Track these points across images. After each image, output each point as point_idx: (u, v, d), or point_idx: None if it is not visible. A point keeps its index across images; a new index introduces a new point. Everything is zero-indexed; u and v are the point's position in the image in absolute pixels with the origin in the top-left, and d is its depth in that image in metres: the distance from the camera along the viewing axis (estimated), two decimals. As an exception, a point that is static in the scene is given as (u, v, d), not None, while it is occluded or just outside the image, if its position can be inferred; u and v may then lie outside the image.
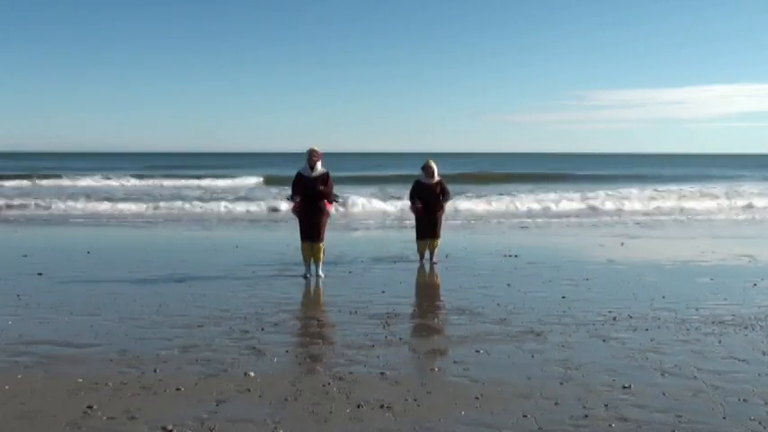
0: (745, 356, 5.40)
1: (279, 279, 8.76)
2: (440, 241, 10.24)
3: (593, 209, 20.35)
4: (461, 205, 19.44)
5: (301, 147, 8.96)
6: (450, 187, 10.65)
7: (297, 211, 8.96)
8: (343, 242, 12.32)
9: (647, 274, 9.11)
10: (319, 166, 8.90)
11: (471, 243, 12.46)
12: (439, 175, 10.30)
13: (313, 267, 8.92)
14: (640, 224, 16.34)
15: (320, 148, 8.94)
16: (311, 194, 8.82)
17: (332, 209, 9.12)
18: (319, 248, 8.87)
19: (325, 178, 8.91)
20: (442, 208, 10.26)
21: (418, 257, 10.21)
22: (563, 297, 7.59)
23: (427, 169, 10.24)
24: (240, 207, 19.49)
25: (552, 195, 23.40)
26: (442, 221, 10.37)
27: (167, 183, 32.85)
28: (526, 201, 22.34)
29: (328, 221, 9.10)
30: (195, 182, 33.03)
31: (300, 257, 9.05)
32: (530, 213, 19.00)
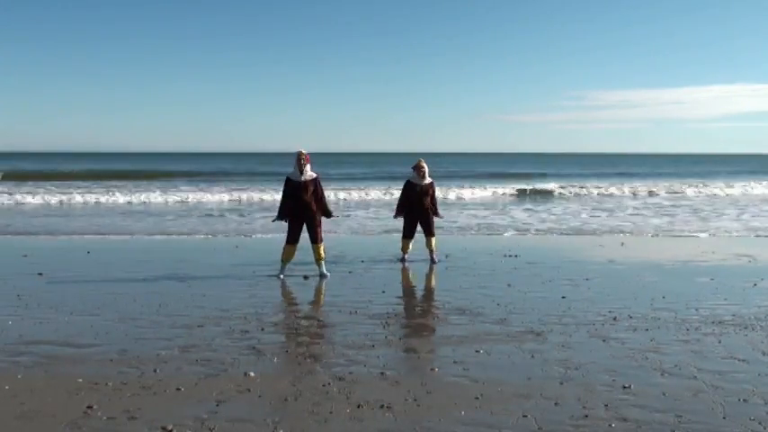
0: (745, 356, 5.40)
1: (279, 279, 8.74)
2: (436, 240, 10.25)
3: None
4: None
5: (301, 147, 8.93)
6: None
7: (288, 213, 8.92)
8: (344, 242, 12.33)
9: (647, 274, 9.11)
10: (309, 170, 8.86)
11: (471, 243, 12.46)
12: (430, 176, 10.33)
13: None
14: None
15: (313, 149, 8.94)
16: (302, 198, 8.78)
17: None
18: (319, 248, 8.85)
19: (315, 183, 8.87)
20: (434, 211, 10.27)
21: (401, 254, 10.27)
22: (563, 297, 7.59)
23: (419, 170, 10.24)
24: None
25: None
26: (434, 219, 10.39)
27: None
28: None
29: (323, 221, 9.03)
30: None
31: (280, 257, 8.97)
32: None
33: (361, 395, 4.49)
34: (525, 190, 29.11)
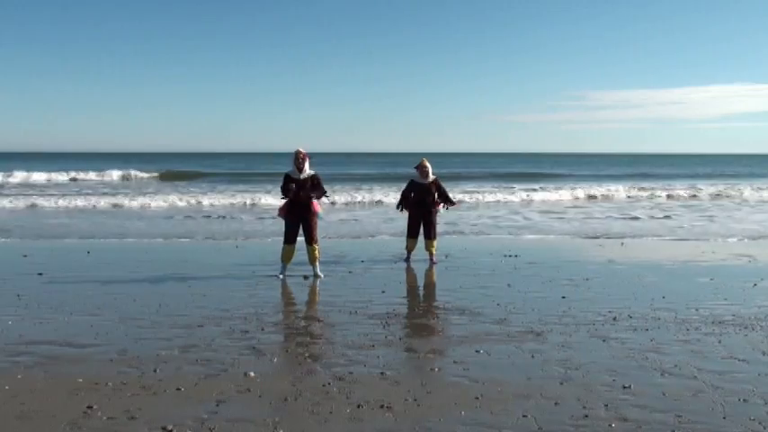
0: (745, 356, 5.40)
1: (279, 279, 8.74)
2: (437, 242, 10.26)
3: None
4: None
5: (300, 146, 8.91)
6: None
7: (284, 213, 8.92)
8: (344, 242, 12.33)
9: (647, 274, 9.11)
10: (307, 168, 8.85)
11: (471, 243, 12.46)
12: (434, 174, 10.34)
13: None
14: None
15: (314, 149, 8.92)
16: (299, 197, 8.74)
17: (320, 210, 9.03)
18: (314, 249, 8.83)
19: (314, 180, 8.88)
20: (437, 208, 10.27)
21: (406, 254, 10.27)
22: (563, 297, 7.59)
23: (422, 169, 10.24)
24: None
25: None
26: (437, 221, 10.40)
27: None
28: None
29: (318, 222, 9.03)
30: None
31: (280, 257, 8.96)
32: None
33: (361, 395, 4.49)
34: (594, 195, 26.56)
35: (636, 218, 17.72)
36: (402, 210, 10.49)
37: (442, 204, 10.32)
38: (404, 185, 10.56)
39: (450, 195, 10.57)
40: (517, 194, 25.50)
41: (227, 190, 27.26)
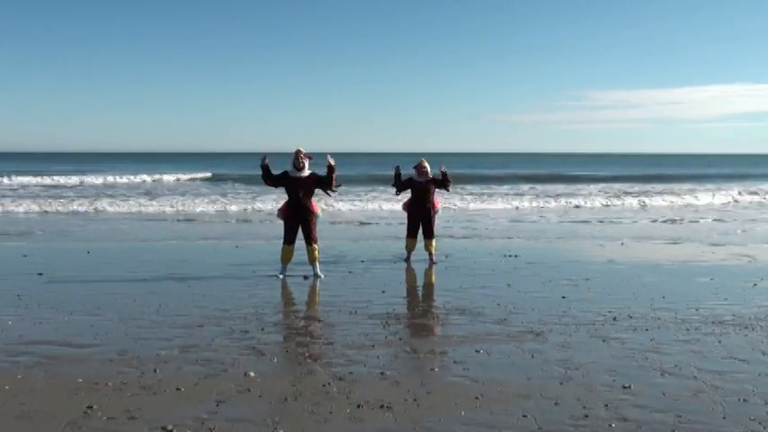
0: (745, 356, 5.40)
1: (278, 279, 8.74)
2: (435, 241, 10.25)
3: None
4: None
5: (302, 147, 8.90)
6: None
7: (283, 213, 8.91)
8: (344, 242, 12.32)
9: (647, 274, 9.11)
10: (306, 169, 8.83)
11: (471, 243, 12.46)
12: (432, 174, 10.34)
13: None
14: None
15: (314, 149, 8.90)
16: (298, 196, 8.75)
17: (319, 210, 9.00)
18: (314, 249, 8.79)
19: (315, 175, 8.87)
20: (435, 208, 10.28)
21: (406, 254, 10.27)
22: (563, 297, 7.59)
23: (420, 169, 10.26)
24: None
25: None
26: (435, 219, 10.39)
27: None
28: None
29: (317, 222, 9.00)
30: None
31: (280, 257, 8.94)
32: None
33: (361, 395, 4.49)
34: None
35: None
36: (397, 192, 10.54)
37: (444, 187, 10.37)
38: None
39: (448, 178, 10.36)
40: (628, 200, 23.25)
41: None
